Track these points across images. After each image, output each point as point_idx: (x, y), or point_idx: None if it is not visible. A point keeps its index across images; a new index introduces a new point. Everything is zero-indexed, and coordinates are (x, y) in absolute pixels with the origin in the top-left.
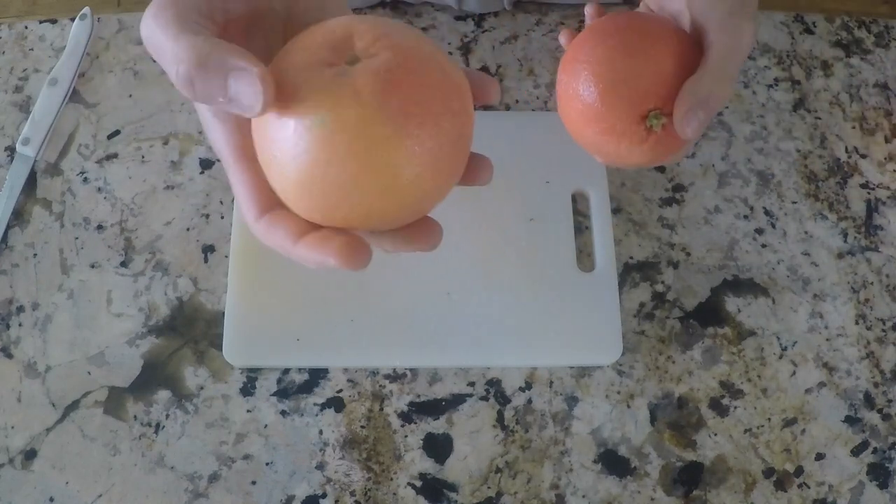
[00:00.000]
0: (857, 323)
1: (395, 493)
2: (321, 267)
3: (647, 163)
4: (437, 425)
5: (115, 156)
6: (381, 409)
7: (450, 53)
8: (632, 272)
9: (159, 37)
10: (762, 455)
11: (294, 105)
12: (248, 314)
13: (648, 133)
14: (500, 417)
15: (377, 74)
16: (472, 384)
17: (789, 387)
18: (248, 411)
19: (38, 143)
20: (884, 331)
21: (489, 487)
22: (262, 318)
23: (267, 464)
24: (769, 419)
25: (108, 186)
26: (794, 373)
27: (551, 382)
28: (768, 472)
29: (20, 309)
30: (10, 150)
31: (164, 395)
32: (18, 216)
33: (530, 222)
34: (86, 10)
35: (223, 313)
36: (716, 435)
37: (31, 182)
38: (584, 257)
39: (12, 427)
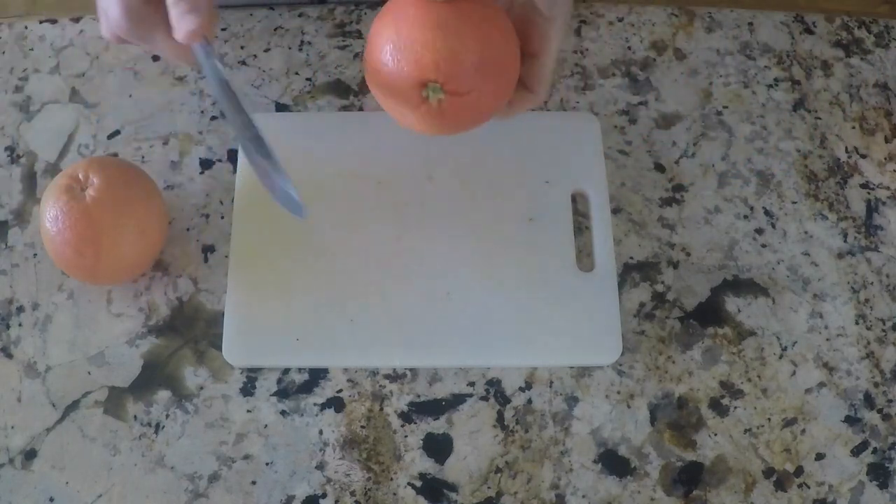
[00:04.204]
0: (857, 323)
1: (395, 493)
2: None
3: (423, 130)
4: (437, 425)
5: (116, 156)
6: (381, 409)
7: None
8: (632, 272)
9: None
10: (762, 455)
11: None
12: (248, 314)
13: (422, 102)
14: (500, 417)
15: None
16: (472, 384)
17: (789, 387)
18: (248, 411)
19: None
20: (884, 331)
21: (489, 487)
22: (262, 318)
23: (267, 464)
24: (769, 419)
25: None
26: (794, 373)
27: (551, 382)
28: (768, 472)
29: (20, 309)
30: (10, 150)
31: (164, 395)
32: (18, 216)
33: (530, 222)
34: None
35: (223, 313)
36: (716, 435)
37: (30, 182)
38: (584, 257)
39: (12, 427)
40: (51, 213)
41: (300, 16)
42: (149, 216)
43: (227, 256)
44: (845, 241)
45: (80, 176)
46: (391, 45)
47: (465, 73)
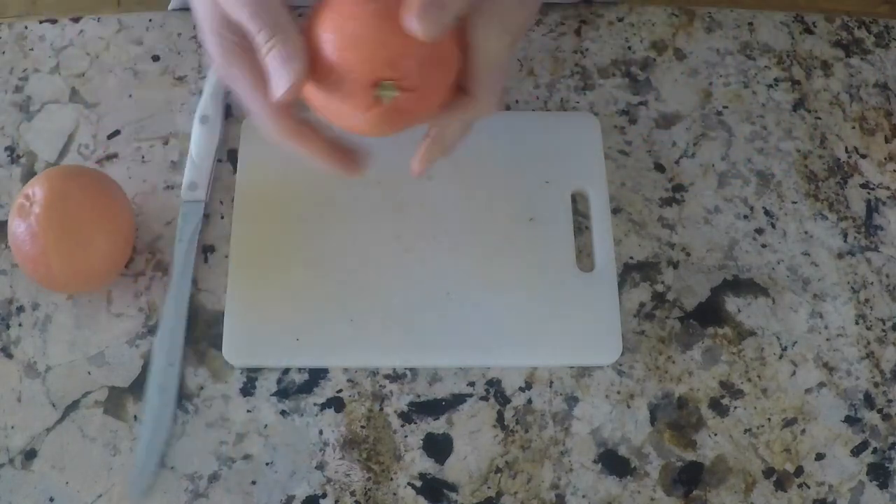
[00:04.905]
0: (857, 323)
1: (395, 493)
2: None
3: (367, 132)
4: (437, 425)
5: (116, 156)
6: (381, 409)
7: None
8: (632, 272)
9: None
10: (762, 455)
11: None
12: (248, 314)
13: (375, 103)
14: (500, 417)
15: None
16: (472, 384)
17: (789, 387)
18: (248, 411)
19: (205, 186)
20: (884, 331)
21: (489, 487)
22: (262, 318)
23: (267, 464)
24: (769, 419)
25: None
26: (794, 373)
27: (551, 382)
28: (768, 472)
29: (20, 309)
30: (10, 150)
31: None
32: None
33: (530, 222)
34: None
35: (223, 313)
36: (716, 435)
37: None
38: (584, 257)
39: (12, 427)
40: (10, 231)
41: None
42: (105, 223)
43: (226, 256)
44: (845, 241)
45: (31, 192)
46: (333, 45)
47: (414, 67)
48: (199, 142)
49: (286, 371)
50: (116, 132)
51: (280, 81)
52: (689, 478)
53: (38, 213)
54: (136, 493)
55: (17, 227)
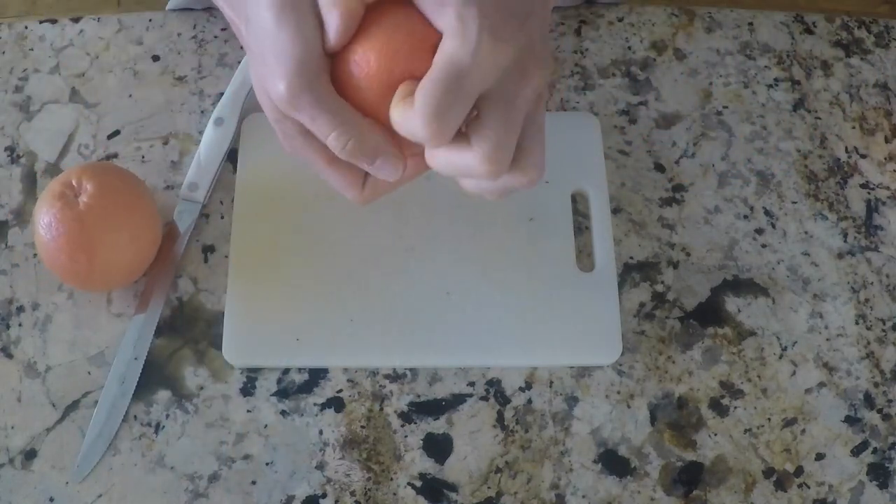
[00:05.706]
0: (857, 323)
1: (395, 493)
2: None
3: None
4: (437, 425)
5: (116, 156)
6: (381, 409)
7: None
8: (632, 272)
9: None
10: (762, 455)
11: None
12: (248, 314)
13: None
14: (500, 417)
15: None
16: (472, 384)
17: (789, 387)
18: (248, 411)
19: (206, 188)
20: (884, 331)
21: (489, 487)
22: (262, 318)
23: (267, 464)
24: (769, 419)
25: None
26: (794, 373)
27: (551, 382)
28: (768, 472)
29: (20, 309)
30: (10, 150)
31: (164, 395)
32: (18, 216)
33: (530, 222)
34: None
35: (223, 313)
36: (716, 435)
37: (30, 182)
38: (584, 257)
39: (12, 427)
40: (44, 220)
41: None
42: (142, 222)
43: (226, 256)
44: (845, 241)
45: (74, 182)
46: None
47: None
48: (210, 144)
49: (286, 371)
50: (116, 132)
51: (387, 173)
52: (689, 478)
53: (88, 203)
54: (77, 476)
55: (59, 215)
